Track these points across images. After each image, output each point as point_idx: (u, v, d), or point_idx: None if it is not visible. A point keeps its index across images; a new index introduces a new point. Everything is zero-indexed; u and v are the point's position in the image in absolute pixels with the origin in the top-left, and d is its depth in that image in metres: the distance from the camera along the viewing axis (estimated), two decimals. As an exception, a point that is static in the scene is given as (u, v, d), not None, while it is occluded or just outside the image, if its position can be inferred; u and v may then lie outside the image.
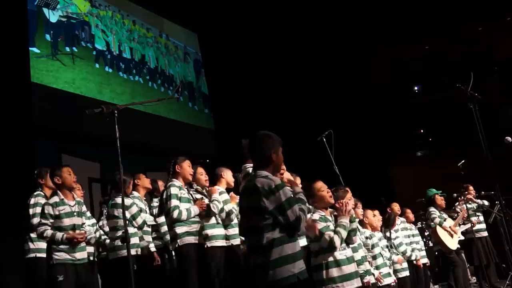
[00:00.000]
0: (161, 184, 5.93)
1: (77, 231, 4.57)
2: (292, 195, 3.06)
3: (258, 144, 3.17)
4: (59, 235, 4.47)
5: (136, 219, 5.10)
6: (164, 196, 4.79)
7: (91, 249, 5.38)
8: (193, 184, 5.16)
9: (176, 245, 4.69)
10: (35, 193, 5.22)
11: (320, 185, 4.14)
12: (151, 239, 5.54)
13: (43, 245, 4.95)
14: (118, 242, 5.05)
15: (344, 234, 3.88)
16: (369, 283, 5.08)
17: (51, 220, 4.52)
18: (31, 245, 5.13)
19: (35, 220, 4.97)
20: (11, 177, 6.39)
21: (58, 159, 7.67)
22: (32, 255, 5.14)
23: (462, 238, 7.48)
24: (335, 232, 3.87)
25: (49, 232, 4.49)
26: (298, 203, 3.04)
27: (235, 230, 5.11)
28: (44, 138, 7.56)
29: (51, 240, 4.50)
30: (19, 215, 5.50)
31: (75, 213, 4.64)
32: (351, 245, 4.15)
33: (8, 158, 6.47)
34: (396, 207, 7.27)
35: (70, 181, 4.68)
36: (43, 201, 5.01)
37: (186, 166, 4.95)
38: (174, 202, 4.70)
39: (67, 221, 4.55)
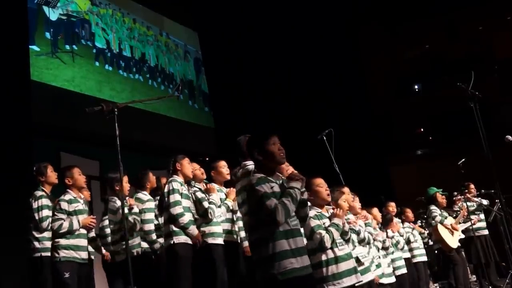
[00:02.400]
0: (164, 182, 5.86)
1: (90, 216, 4.76)
2: (268, 191, 2.99)
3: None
4: (75, 221, 4.62)
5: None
6: (166, 190, 4.76)
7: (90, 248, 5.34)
8: (192, 182, 5.09)
9: (171, 242, 4.56)
10: (37, 195, 5.06)
11: (319, 181, 4.09)
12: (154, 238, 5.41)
13: (49, 244, 4.90)
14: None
15: (336, 234, 3.84)
16: (378, 279, 5.14)
17: (65, 216, 4.63)
18: (37, 245, 5.00)
19: (45, 224, 4.94)
20: (10, 176, 6.37)
21: (57, 157, 7.65)
22: (38, 254, 4.99)
23: (462, 236, 7.49)
24: (327, 230, 3.82)
25: (65, 224, 4.59)
26: (282, 196, 3.00)
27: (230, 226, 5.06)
28: (43, 136, 7.55)
29: (68, 231, 4.58)
30: (18, 214, 5.48)
31: (84, 212, 4.78)
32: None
33: (6, 156, 6.45)
34: (391, 207, 7.22)
35: (81, 182, 4.84)
36: (47, 202, 5.02)
37: (186, 164, 4.94)
38: (176, 197, 4.67)
39: (80, 218, 4.69)
